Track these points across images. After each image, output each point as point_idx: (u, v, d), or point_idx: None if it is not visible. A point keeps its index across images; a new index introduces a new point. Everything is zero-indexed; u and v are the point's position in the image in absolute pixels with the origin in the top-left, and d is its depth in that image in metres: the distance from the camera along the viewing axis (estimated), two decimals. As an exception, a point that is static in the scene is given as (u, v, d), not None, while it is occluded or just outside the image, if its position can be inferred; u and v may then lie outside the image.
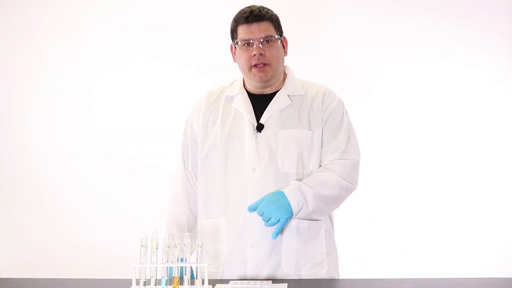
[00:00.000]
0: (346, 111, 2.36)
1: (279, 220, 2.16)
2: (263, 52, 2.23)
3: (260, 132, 2.27)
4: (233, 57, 2.35)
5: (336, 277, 2.33)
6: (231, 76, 2.47)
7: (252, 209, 2.19)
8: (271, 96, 2.33)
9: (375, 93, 3.74)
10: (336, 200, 2.27)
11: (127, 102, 3.79)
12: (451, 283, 2.19)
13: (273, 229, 2.19)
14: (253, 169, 2.24)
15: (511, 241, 3.73)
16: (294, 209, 2.19)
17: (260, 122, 2.28)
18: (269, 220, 2.16)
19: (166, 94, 3.76)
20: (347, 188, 2.27)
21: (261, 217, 2.18)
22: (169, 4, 3.75)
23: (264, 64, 2.25)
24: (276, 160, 2.24)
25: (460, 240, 3.71)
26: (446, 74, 3.72)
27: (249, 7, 2.29)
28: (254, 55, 2.24)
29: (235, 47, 2.30)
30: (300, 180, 2.24)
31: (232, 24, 2.31)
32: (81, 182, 3.80)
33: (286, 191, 2.20)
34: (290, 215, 2.18)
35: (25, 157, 3.81)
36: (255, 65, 2.26)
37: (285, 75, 2.38)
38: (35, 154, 3.81)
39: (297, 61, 2.52)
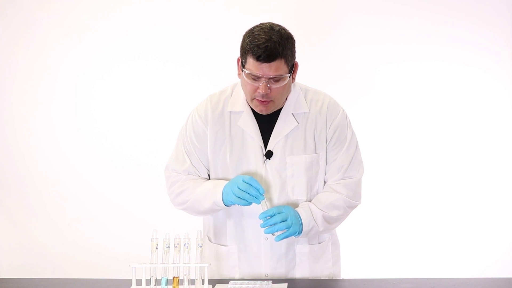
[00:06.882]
0: (349, 124, 2.29)
1: (286, 230, 2.13)
2: (268, 92, 2.09)
3: (269, 159, 2.22)
4: (238, 71, 2.17)
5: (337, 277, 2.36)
6: (232, 77, 2.43)
7: (273, 211, 2.12)
8: (274, 113, 2.23)
9: (375, 93, 3.73)
10: (343, 218, 2.29)
11: (127, 102, 3.79)
12: (451, 283, 2.19)
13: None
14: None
15: (510, 241, 3.73)
16: (305, 228, 2.17)
17: (268, 148, 2.21)
18: (284, 221, 2.11)
19: (166, 94, 3.76)
20: (352, 206, 2.29)
21: (273, 216, 2.10)
22: (169, 4, 3.75)
23: (268, 101, 2.13)
24: (287, 189, 2.23)
25: (459, 240, 3.72)
26: (446, 74, 3.71)
27: (264, 38, 2.04)
28: (259, 92, 2.10)
29: (242, 69, 2.12)
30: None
31: (244, 44, 2.09)
32: (81, 182, 3.79)
33: (299, 211, 2.18)
34: (300, 232, 2.17)
35: (25, 157, 3.81)
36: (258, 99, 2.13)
37: None
38: (35, 154, 3.81)
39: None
